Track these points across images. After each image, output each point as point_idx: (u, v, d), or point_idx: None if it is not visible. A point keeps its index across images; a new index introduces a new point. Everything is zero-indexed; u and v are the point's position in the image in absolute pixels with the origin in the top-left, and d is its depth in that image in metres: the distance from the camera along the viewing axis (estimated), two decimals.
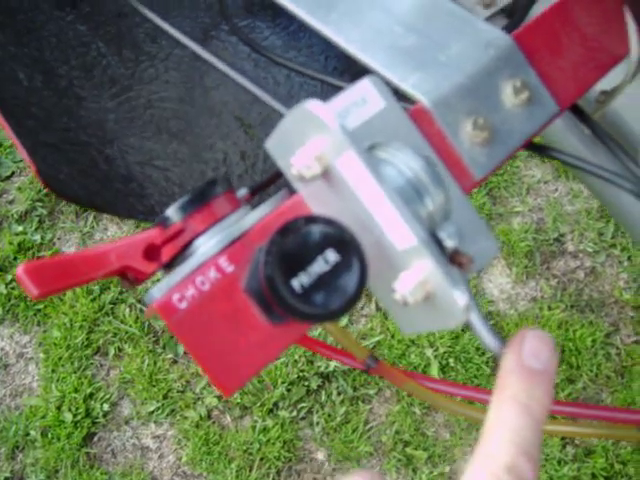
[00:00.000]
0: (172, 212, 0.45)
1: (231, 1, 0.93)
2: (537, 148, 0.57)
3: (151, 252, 0.44)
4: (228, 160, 0.82)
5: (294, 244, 0.37)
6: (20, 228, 2.25)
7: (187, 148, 0.81)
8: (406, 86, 0.50)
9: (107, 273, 0.43)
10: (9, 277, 2.15)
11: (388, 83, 0.49)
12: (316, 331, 1.80)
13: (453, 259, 0.40)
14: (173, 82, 0.86)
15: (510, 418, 0.38)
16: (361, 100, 0.44)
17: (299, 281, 0.37)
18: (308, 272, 0.37)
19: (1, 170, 2.37)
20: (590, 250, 2.12)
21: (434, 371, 1.92)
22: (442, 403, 0.69)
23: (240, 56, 0.90)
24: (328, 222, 0.37)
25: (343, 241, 0.37)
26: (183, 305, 0.42)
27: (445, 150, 0.47)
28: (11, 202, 2.33)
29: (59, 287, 0.41)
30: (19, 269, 0.39)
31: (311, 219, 0.37)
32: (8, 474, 1.93)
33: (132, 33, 0.87)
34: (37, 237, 2.24)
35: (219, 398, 1.94)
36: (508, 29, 0.69)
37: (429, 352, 1.95)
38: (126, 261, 0.42)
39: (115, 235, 2.23)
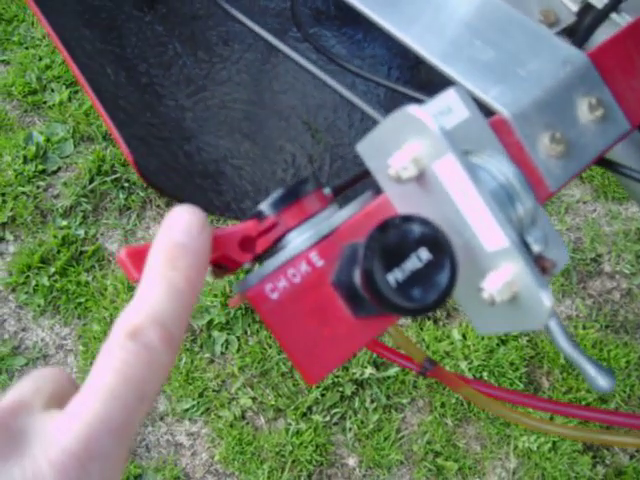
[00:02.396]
0: (266, 206, 0.47)
1: (299, 9, 0.96)
2: (608, 164, 0.58)
3: (247, 243, 0.46)
4: (296, 162, 0.84)
5: (391, 241, 0.39)
6: (64, 222, 2.29)
7: (258, 149, 0.83)
8: (487, 98, 0.52)
9: None
10: (52, 270, 2.19)
11: (470, 94, 0.51)
12: None
13: (538, 263, 0.42)
14: (244, 84, 0.89)
15: (148, 289, 0.37)
16: (447, 109, 0.46)
17: (394, 276, 0.39)
18: (402, 268, 0.39)
19: (48, 165, 2.41)
20: (627, 272, 2.12)
21: None
22: (497, 409, 0.71)
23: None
24: (423, 222, 0.39)
25: (436, 240, 0.39)
26: (275, 295, 0.44)
27: (522, 161, 0.49)
28: (56, 197, 2.37)
29: None
30: (122, 252, 0.41)
31: (408, 218, 0.39)
32: None
33: (205, 35, 0.90)
34: (81, 232, 2.27)
35: (253, 399, 1.96)
36: None
37: (463, 364, 1.96)
38: (223, 250, 0.44)
39: (157, 233, 2.25)
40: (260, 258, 0.48)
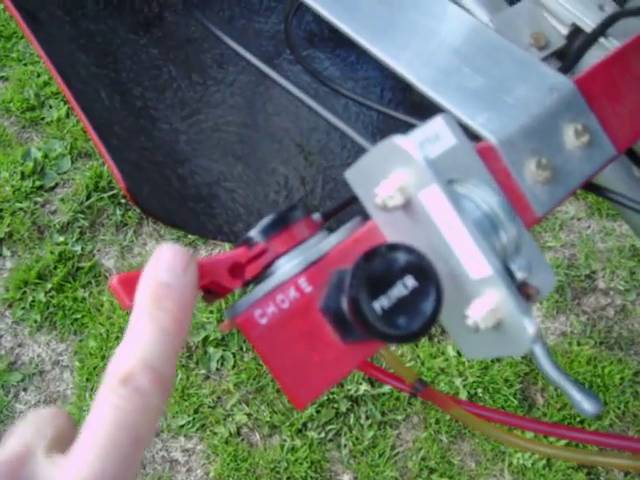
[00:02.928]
0: (256, 233, 0.48)
1: (293, 31, 0.97)
2: (594, 189, 0.59)
3: (236, 270, 0.47)
4: (289, 185, 0.85)
5: (377, 269, 0.40)
6: (61, 238, 2.30)
7: (251, 171, 0.84)
8: (475, 124, 0.53)
9: None
10: (49, 286, 2.19)
11: (457, 121, 0.52)
12: None
13: (521, 290, 0.43)
14: (238, 107, 0.89)
15: (136, 331, 0.37)
16: (434, 136, 0.47)
17: (380, 304, 0.39)
18: (388, 295, 0.40)
19: (45, 181, 2.42)
20: (621, 288, 2.13)
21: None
22: (488, 430, 0.71)
23: (301, 86, 0.93)
24: (409, 250, 0.40)
25: (422, 268, 0.40)
26: (263, 321, 0.45)
27: (509, 186, 0.50)
28: (54, 213, 2.37)
29: None
30: (114, 280, 0.41)
31: (394, 246, 0.40)
32: None
33: (200, 58, 0.91)
34: (77, 248, 2.28)
35: (249, 416, 1.96)
36: (560, 72, 0.72)
37: (458, 381, 1.96)
38: (214, 277, 0.45)
39: (154, 250, 2.25)
40: (250, 284, 0.49)
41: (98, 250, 2.30)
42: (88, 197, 2.38)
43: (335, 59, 0.97)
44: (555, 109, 0.53)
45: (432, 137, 0.47)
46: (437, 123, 0.47)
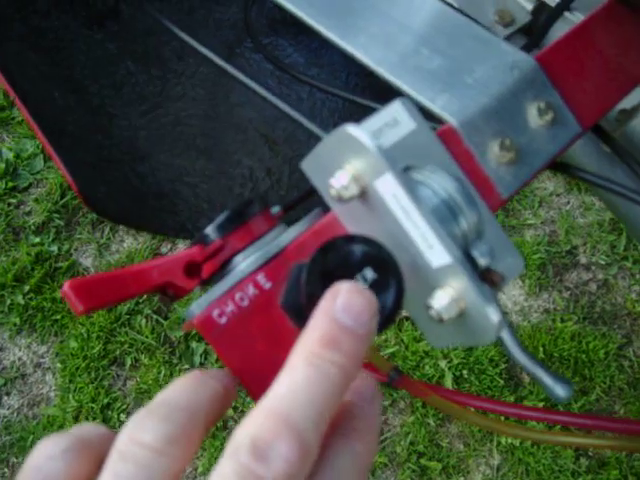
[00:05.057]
0: (211, 230, 0.47)
1: (255, 19, 0.95)
2: (560, 167, 0.58)
3: (192, 269, 0.45)
4: (254, 176, 0.83)
5: (334, 262, 0.38)
6: (37, 239, 2.27)
7: (214, 164, 0.83)
8: (435, 107, 0.52)
9: (149, 289, 0.44)
10: (27, 288, 2.17)
11: (417, 104, 0.50)
12: None
13: (485, 277, 0.41)
14: (200, 99, 0.88)
15: (289, 384, 0.32)
16: (393, 121, 0.46)
17: None
18: None
19: (19, 182, 2.39)
20: (602, 262, 2.13)
21: (448, 382, 1.93)
22: (463, 415, 0.70)
23: (264, 73, 0.92)
24: (367, 241, 0.39)
25: (381, 259, 0.39)
26: (223, 320, 0.43)
27: (473, 170, 0.49)
28: (28, 213, 2.35)
29: (103, 303, 0.42)
30: (65, 285, 0.40)
31: (350, 238, 0.39)
32: None
33: (159, 51, 0.89)
34: (54, 248, 2.26)
35: (235, 408, 1.95)
36: (527, 48, 0.71)
37: (443, 364, 1.96)
38: (168, 277, 0.44)
39: (131, 246, 2.25)
40: (207, 283, 0.47)
41: (75, 249, 2.28)
42: (62, 196, 2.35)
43: (298, 45, 0.96)
44: (517, 88, 0.52)
45: (391, 122, 0.45)
46: (395, 108, 0.46)
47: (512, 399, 1.91)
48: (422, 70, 0.55)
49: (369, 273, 0.39)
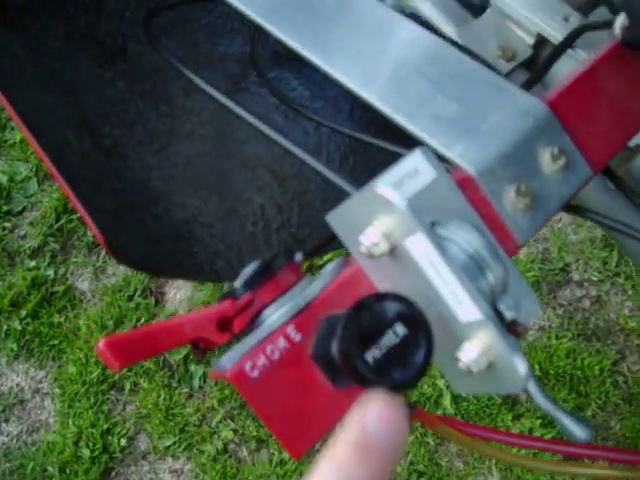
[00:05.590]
0: (240, 285, 0.48)
1: (259, 52, 0.96)
2: (573, 210, 0.59)
3: (224, 324, 0.46)
4: (265, 214, 0.84)
5: (367, 320, 0.39)
6: (33, 263, 2.27)
7: (226, 203, 0.83)
8: (452, 155, 0.53)
9: (182, 343, 0.45)
10: (23, 313, 2.17)
11: (434, 151, 0.51)
12: None
13: (510, 329, 0.43)
14: (208, 136, 0.89)
15: None
16: (413, 171, 0.46)
17: (372, 354, 0.39)
18: (379, 345, 0.39)
19: (13, 205, 2.39)
20: (595, 279, 2.14)
21: (447, 401, 1.94)
22: (481, 448, 0.71)
23: (270, 107, 0.93)
24: (398, 298, 0.40)
25: (412, 316, 0.40)
26: (255, 374, 0.44)
27: (490, 217, 0.50)
28: (23, 237, 2.35)
29: (137, 358, 0.43)
30: (100, 343, 0.41)
31: (382, 296, 0.40)
32: None
33: (167, 88, 0.90)
34: (50, 272, 2.25)
35: (235, 431, 1.96)
36: (529, 84, 0.72)
37: (441, 383, 1.97)
38: (201, 332, 0.45)
39: (127, 270, 2.25)
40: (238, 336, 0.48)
41: (71, 273, 2.27)
42: (57, 219, 2.35)
43: (303, 79, 0.97)
44: (530, 134, 0.53)
45: (411, 172, 0.46)
46: (416, 157, 0.47)
47: (509, 417, 1.92)
48: (438, 117, 0.56)
49: (400, 329, 0.40)
